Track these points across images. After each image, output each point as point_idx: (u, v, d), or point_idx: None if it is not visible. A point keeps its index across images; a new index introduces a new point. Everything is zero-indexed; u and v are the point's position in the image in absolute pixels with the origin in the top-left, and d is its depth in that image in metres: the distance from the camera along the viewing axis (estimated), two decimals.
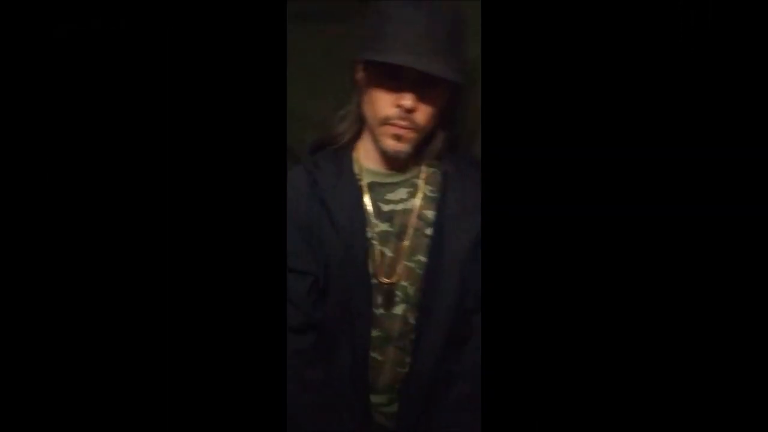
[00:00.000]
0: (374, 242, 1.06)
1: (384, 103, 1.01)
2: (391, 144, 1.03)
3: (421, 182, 1.10)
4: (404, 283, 1.07)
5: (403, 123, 1.00)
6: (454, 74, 0.98)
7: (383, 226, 1.07)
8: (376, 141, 1.05)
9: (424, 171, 1.11)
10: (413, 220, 1.07)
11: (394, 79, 0.99)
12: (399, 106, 0.99)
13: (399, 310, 1.07)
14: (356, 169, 1.09)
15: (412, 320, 1.07)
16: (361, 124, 1.08)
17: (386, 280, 1.06)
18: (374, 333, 1.06)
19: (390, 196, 1.09)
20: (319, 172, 1.06)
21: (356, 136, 1.10)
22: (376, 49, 0.97)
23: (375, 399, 1.09)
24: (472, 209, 1.06)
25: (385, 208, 1.08)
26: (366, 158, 1.10)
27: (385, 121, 1.01)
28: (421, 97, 1.00)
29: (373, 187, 1.09)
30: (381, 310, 1.07)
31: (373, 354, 1.07)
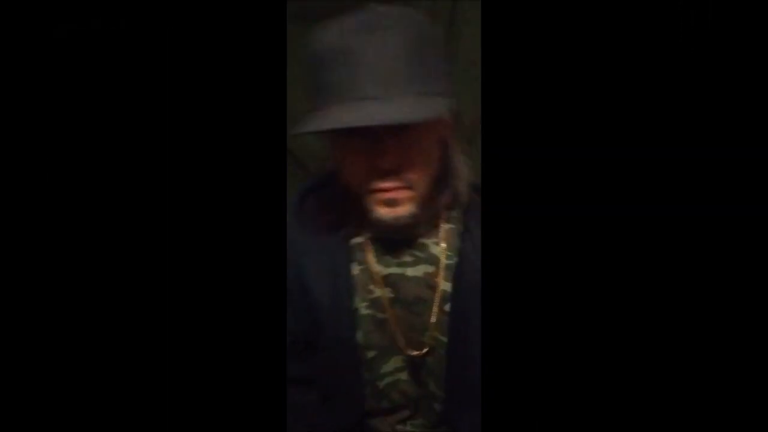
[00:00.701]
0: (364, 314, 0.89)
1: (359, 169, 0.82)
2: (385, 212, 0.82)
3: (430, 243, 0.90)
4: (429, 358, 0.90)
5: (392, 185, 0.81)
6: (434, 108, 0.79)
7: (382, 292, 0.89)
8: (370, 213, 0.84)
9: (438, 228, 0.91)
10: (424, 291, 0.89)
11: (364, 137, 0.79)
12: (379, 170, 0.80)
13: (403, 376, 0.92)
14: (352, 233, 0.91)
15: (433, 388, 0.91)
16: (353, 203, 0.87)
17: (415, 353, 0.88)
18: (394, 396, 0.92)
19: (389, 258, 0.90)
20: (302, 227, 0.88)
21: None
22: (317, 114, 0.77)
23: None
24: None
25: (385, 271, 0.90)
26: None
27: (372, 190, 0.82)
28: (403, 144, 0.80)
29: (366, 247, 0.90)
30: (386, 380, 0.91)
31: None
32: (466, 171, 0.90)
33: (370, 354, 0.91)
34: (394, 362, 0.91)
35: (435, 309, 0.89)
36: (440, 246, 0.90)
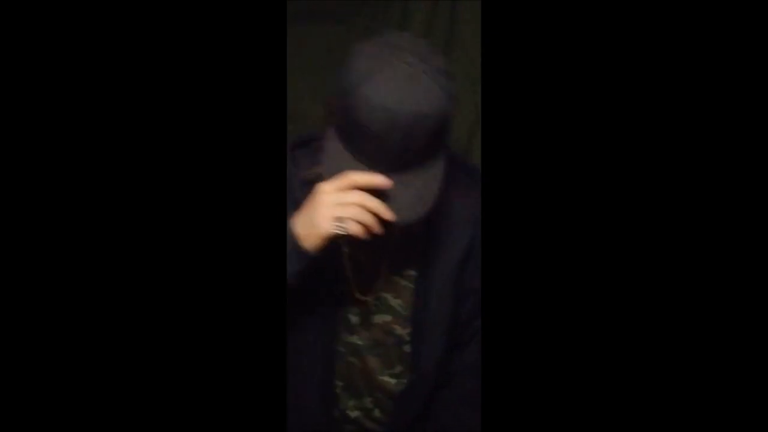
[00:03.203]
0: (340, 351, 1.05)
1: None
2: None
3: (389, 296, 1.04)
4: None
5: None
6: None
7: (351, 339, 1.05)
8: None
9: (399, 285, 1.05)
10: (380, 336, 1.04)
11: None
12: None
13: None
14: None
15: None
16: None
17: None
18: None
19: (355, 309, 1.05)
20: (296, 169, 0.99)
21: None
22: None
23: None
24: (459, 220, 1.01)
25: (354, 320, 1.04)
26: None
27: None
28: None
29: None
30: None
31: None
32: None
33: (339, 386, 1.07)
34: (367, 402, 1.07)
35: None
36: (397, 300, 1.04)
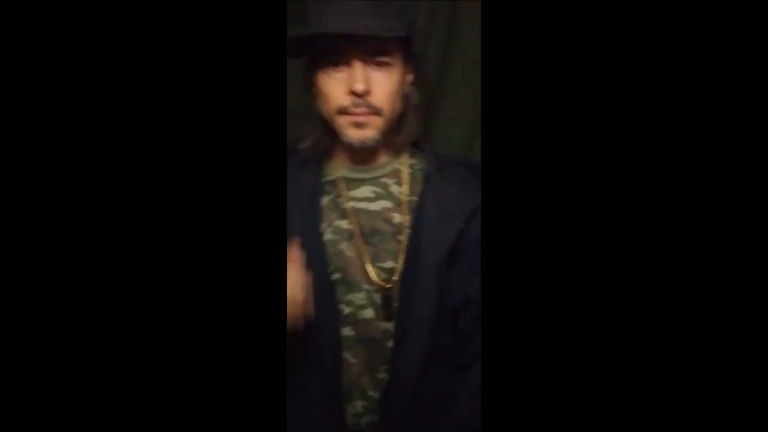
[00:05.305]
0: (328, 239, 1.03)
1: (335, 93, 0.98)
2: (354, 133, 0.99)
3: (390, 182, 1.06)
4: (368, 287, 1.03)
5: (360, 110, 0.97)
6: (401, 30, 0.95)
7: (342, 223, 1.04)
8: (341, 136, 1.00)
9: (398, 169, 1.07)
10: (378, 223, 1.04)
11: (339, 63, 0.96)
12: (351, 92, 0.96)
13: (368, 314, 1.03)
14: (326, 170, 1.06)
15: (385, 326, 1.03)
16: (328, 129, 1.03)
17: (387, 285, 1.02)
18: (344, 332, 1.03)
19: (353, 193, 1.05)
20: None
21: (329, 146, 1.06)
22: (309, 27, 0.95)
23: (350, 409, 1.05)
24: (448, 215, 1.02)
25: (345, 204, 1.04)
26: (338, 158, 1.06)
27: (342, 112, 0.98)
28: (374, 77, 0.97)
29: (337, 183, 1.06)
30: (350, 309, 1.03)
31: (346, 355, 1.03)
32: (417, 123, 1.06)
33: (335, 277, 1.03)
34: (359, 297, 1.03)
35: (390, 239, 1.03)
36: (399, 187, 1.06)
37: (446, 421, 1.04)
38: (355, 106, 0.96)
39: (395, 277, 1.02)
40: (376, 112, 0.98)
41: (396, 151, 1.06)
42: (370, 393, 1.03)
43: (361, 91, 0.95)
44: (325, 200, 1.04)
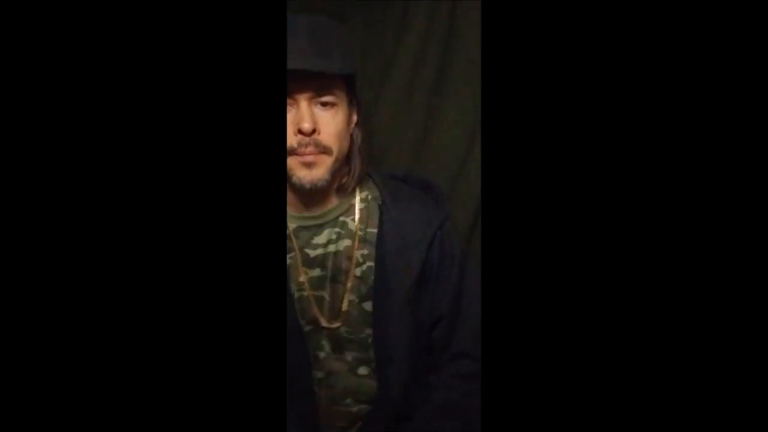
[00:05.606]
0: (304, 290, 1.05)
1: (288, 134, 0.98)
2: (303, 174, 0.98)
3: (348, 220, 1.07)
4: (348, 329, 1.05)
5: (309, 149, 0.97)
6: (346, 68, 0.97)
7: (314, 273, 1.05)
8: (291, 179, 1.00)
9: (351, 204, 1.08)
10: (345, 263, 1.05)
11: (290, 106, 0.97)
12: (299, 131, 0.96)
13: (350, 357, 1.06)
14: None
15: (364, 371, 1.06)
16: None
17: (329, 325, 1.05)
18: (319, 375, 1.06)
19: (316, 240, 1.06)
20: None
21: None
22: None
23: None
24: (409, 246, 1.04)
25: (313, 253, 1.05)
26: (290, 205, 1.05)
27: (291, 152, 0.98)
28: (321, 116, 0.98)
29: (297, 233, 1.06)
30: (327, 353, 1.06)
31: (317, 390, 1.06)
32: (363, 164, 1.07)
33: (307, 329, 1.06)
34: (318, 338, 1.06)
35: (351, 275, 1.05)
36: (355, 223, 1.07)
37: (426, 410, 1.07)
38: (304, 145, 0.96)
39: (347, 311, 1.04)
40: (324, 151, 0.98)
41: (345, 192, 1.07)
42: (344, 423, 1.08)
43: (308, 130, 0.95)
44: (288, 259, 1.04)
